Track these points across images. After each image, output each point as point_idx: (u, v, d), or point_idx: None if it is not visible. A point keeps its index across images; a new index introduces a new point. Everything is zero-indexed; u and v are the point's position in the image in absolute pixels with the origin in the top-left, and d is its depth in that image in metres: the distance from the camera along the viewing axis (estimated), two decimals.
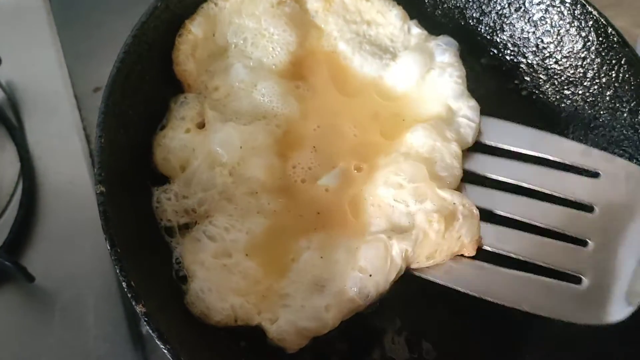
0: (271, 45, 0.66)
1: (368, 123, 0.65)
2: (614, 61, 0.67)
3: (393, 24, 0.71)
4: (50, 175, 0.75)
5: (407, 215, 0.58)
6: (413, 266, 0.57)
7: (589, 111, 0.69)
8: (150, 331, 0.47)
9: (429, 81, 0.67)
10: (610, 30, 0.67)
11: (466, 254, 0.58)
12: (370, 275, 0.55)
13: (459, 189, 0.62)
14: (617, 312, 0.55)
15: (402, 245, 0.56)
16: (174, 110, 0.62)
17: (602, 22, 0.68)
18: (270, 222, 0.57)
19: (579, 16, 0.69)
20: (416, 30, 0.71)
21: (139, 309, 0.48)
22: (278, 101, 0.63)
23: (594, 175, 0.62)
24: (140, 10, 0.62)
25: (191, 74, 0.64)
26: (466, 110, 0.65)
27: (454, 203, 0.58)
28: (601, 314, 0.55)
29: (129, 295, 0.48)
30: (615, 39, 0.67)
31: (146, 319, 0.47)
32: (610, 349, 0.58)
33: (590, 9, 0.68)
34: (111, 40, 0.69)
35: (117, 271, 0.49)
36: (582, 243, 0.59)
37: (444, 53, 0.68)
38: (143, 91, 0.60)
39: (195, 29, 0.64)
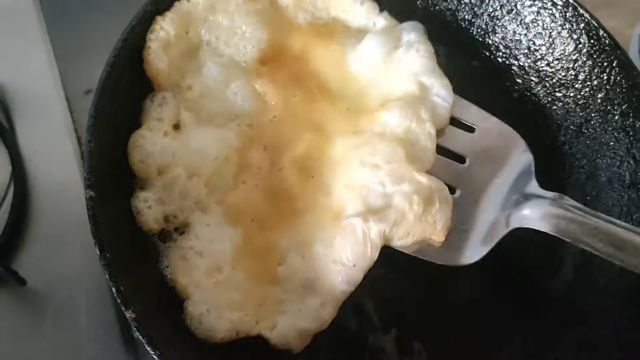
0: (243, 43, 0.65)
1: (338, 109, 0.64)
2: (605, 64, 0.67)
3: (362, 17, 0.71)
4: (41, 177, 0.74)
5: (383, 196, 0.58)
6: (387, 244, 0.58)
7: (581, 113, 0.69)
8: (140, 337, 0.48)
9: (396, 59, 0.67)
10: (601, 32, 0.67)
11: (436, 239, 0.59)
12: (354, 265, 0.55)
13: None
14: (471, 255, 0.59)
15: (380, 227, 0.56)
16: (151, 110, 0.60)
17: (593, 24, 0.68)
18: (246, 227, 0.57)
19: (570, 19, 0.69)
20: (383, 22, 0.71)
21: (129, 314, 0.48)
22: (250, 100, 0.62)
23: (471, 129, 0.66)
24: (131, 12, 0.62)
25: (162, 72, 0.61)
26: (439, 88, 0.65)
27: (431, 187, 0.58)
28: (458, 256, 0.60)
29: (119, 300, 0.48)
30: (606, 41, 0.67)
31: (136, 324, 0.47)
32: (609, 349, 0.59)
33: (581, 11, 0.68)
34: (102, 42, 0.68)
35: (107, 276, 0.49)
36: (452, 190, 0.62)
37: (410, 33, 0.68)
38: (133, 95, 0.60)
39: (167, 25, 0.62)
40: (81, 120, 0.79)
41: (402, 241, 0.58)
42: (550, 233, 0.57)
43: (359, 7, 0.72)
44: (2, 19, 0.86)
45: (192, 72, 0.63)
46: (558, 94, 0.71)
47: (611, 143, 0.67)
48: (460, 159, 0.65)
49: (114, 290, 0.48)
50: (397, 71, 0.66)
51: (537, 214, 0.58)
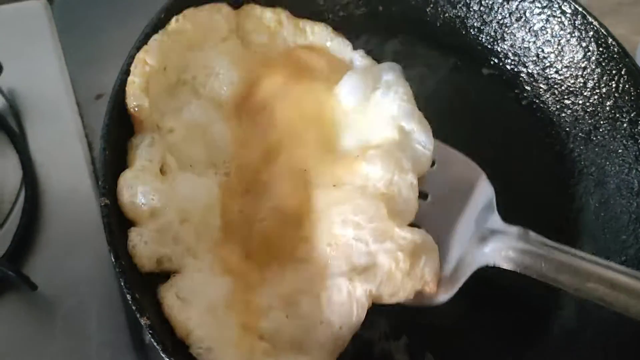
0: (218, 84, 0.64)
1: (317, 155, 0.62)
2: (614, 71, 0.68)
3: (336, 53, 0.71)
4: (52, 182, 0.74)
5: (367, 254, 0.56)
6: (377, 302, 0.56)
7: (589, 121, 0.70)
8: (155, 343, 0.48)
9: (374, 102, 0.65)
10: (610, 40, 0.67)
11: (428, 291, 0.57)
12: (340, 328, 0.54)
13: None
14: (441, 296, 0.58)
15: (365, 286, 0.55)
16: (141, 150, 0.57)
17: (602, 32, 0.68)
18: (234, 279, 0.55)
19: (579, 26, 0.70)
20: (361, 61, 0.71)
21: (144, 321, 0.48)
22: (227, 146, 0.61)
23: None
24: (142, 18, 0.63)
25: (144, 111, 0.58)
26: (419, 133, 0.63)
27: (415, 241, 0.57)
28: (426, 297, 0.58)
29: (134, 307, 0.48)
30: (615, 49, 0.67)
31: (151, 331, 0.48)
32: None
33: (590, 19, 0.69)
34: (113, 47, 0.69)
35: (122, 283, 0.49)
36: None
37: (388, 72, 0.67)
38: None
39: (150, 60, 0.60)
40: (92, 125, 0.79)
41: (394, 298, 0.56)
42: (515, 270, 0.56)
43: (329, 44, 0.72)
44: (13, 25, 0.86)
45: (172, 112, 0.61)
46: (567, 102, 0.72)
47: (620, 150, 0.67)
48: (422, 195, 0.63)
49: (129, 297, 0.48)
50: (375, 115, 0.64)
51: (500, 251, 0.57)
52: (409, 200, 0.60)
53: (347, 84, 0.65)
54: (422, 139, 0.63)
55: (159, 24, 0.62)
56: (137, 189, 0.54)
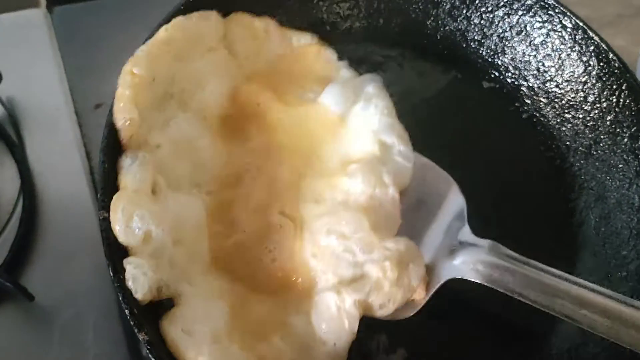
0: (204, 97, 0.63)
1: (299, 170, 0.62)
2: (614, 86, 0.68)
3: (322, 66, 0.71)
4: (50, 192, 0.74)
5: (354, 265, 0.56)
6: (367, 314, 0.56)
7: (590, 135, 0.70)
8: (153, 359, 0.48)
9: (354, 114, 0.65)
10: (611, 55, 0.68)
11: (417, 298, 0.57)
12: (335, 344, 0.53)
13: None
14: (409, 308, 0.57)
15: (354, 297, 0.54)
16: (133, 170, 0.54)
17: (603, 47, 0.68)
18: (229, 302, 0.54)
19: (580, 41, 0.70)
20: (345, 72, 0.71)
21: (142, 337, 0.47)
22: (212, 162, 0.60)
23: None
24: (142, 28, 0.63)
25: (135, 124, 0.56)
26: (400, 147, 0.63)
27: (400, 250, 0.56)
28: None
29: (132, 322, 0.48)
30: (616, 64, 0.67)
31: (149, 347, 0.47)
32: None
33: (591, 34, 0.69)
34: (113, 57, 0.68)
35: (120, 298, 0.49)
36: None
37: (369, 84, 0.67)
38: None
39: (138, 71, 0.57)
40: (90, 135, 0.79)
41: (384, 310, 0.55)
42: (484, 284, 0.55)
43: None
44: (13, 33, 0.86)
45: (159, 127, 0.59)
46: (567, 115, 0.72)
47: (620, 165, 0.67)
48: None
49: (127, 312, 0.48)
50: (356, 128, 0.64)
51: (469, 264, 0.57)
52: (390, 213, 0.60)
53: (328, 97, 0.65)
54: (403, 152, 0.63)
55: None
56: (133, 214, 0.51)
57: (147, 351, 0.48)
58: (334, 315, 0.54)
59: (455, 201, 0.62)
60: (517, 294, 0.54)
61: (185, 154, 0.59)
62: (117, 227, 0.51)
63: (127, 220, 0.51)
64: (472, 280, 0.56)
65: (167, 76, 0.61)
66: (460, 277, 0.56)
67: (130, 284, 0.49)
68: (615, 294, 0.51)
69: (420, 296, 0.57)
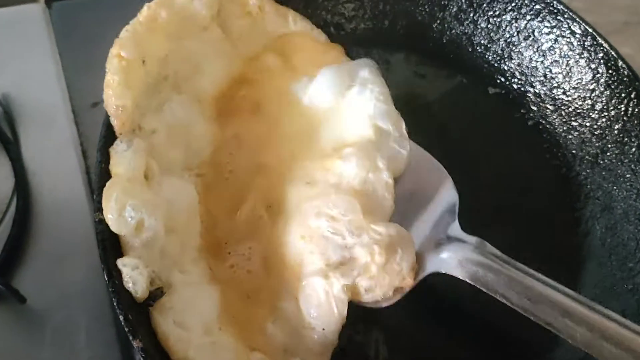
0: (199, 79, 0.62)
1: (291, 152, 0.62)
2: (623, 94, 0.67)
3: None
4: (45, 191, 0.73)
5: (343, 248, 0.55)
6: (353, 299, 0.55)
7: (597, 144, 0.69)
8: None
9: (349, 99, 0.64)
10: (620, 63, 0.67)
11: (406, 286, 0.56)
12: (324, 329, 0.53)
13: None
14: (392, 298, 0.56)
15: (342, 281, 0.54)
16: (126, 157, 0.53)
17: (612, 54, 0.67)
18: (220, 290, 0.54)
19: (589, 48, 0.69)
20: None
21: (136, 344, 0.46)
22: (206, 146, 0.60)
23: None
24: None
25: (127, 110, 0.54)
26: (395, 133, 0.63)
27: (391, 235, 0.55)
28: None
29: (126, 329, 0.47)
30: (625, 72, 0.66)
31: (143, 355, 0.46)
32: None
33: (600, 41, 0.68)
34: None
35: (115, 304, 0.47)
36: None
37: (364, 69, 0.66)
38: None
39: (125, 53, 0.55)
40: (87, 133, 0.78)
41: (370, 295, 0.55)
42: (467, 281, 0.54)
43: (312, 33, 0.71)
44: (11, 30, 0.85)
45: (153, 111, 0.58)
46: (574, 123, 0.71)
47: (627, 175, 0.66)
48: None
49: (121, 318, 0.47)
50: (351, 112, 0.64)
51: (455, 259, 0.56)
52: (384, 199, 0.59)
53: (322, 80, 0.65)
54: (399, 139, 0.62)
55: None
56: (126, 203, 0.50)
57: (141, 358, 0.46)
58: (323, 300, 0.53)
59: (448, 195, 0.61)
60: (500, 294, 0.53)
61: (179, 138, 0.59)
62: (110, 216, 0.50)
63: (120, 209, 0.50)
64: (457, 276, 0.55)
65: (159, 57, 0.60)
66: (444, 272, 0.56)
67: (130, 286, 0.49)
68: (599, 307, 0.50)
69: (408, 284, 0.56)
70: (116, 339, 0.65)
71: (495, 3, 0.75)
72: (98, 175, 0.52)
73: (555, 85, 0.72)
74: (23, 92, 0.79)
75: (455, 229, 0.58)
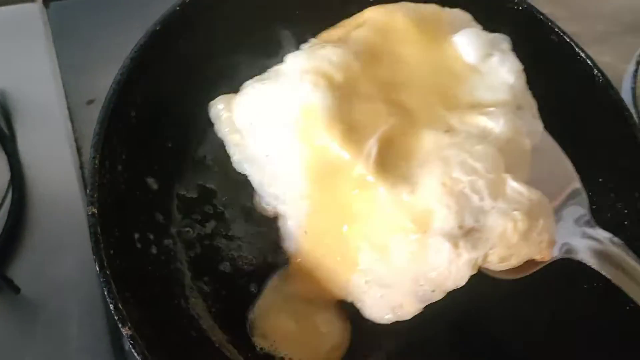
0: None
1: (428, 97, 0.57)
2: None
3: None
4: (39, 185, 0.75)
5: (479, 211, 0.50)
6: (482, 266, 0.52)
7: None
8: (136, 354, 0.48)
9: (490, 66, 0.60)
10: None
11: (540, 259, 0.53)
12: (433, 291, 0.52)
13: None
14: (522, 270, 0.55)
15: (472, 255, 0.50)
16: None
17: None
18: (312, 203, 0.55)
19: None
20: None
21: (125, 331, 0.48)
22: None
23: None
24: (138, 27, 0.63)
25: None
26: (531, 111, 0.60)
27: (532, 200, 0.51)
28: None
29: (116, 317, 0.49)
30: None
31: (132, 341, 0.48)
32: None
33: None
34: (107, 54, 0.69)
35: (105, 293, 0.50)
36: None
37: (502, 42, 0.62)
38: (138, 112, 0.61)
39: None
40: (82, 130, 0.80)
41: (503, 264, 0.52)
42: (600, 271, 0.53)
43: None
44: (9, 29, 0.86)
45: None
46: None
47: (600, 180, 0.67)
48: None
49: (111, 307, 0.49)
50: (492, 77, 0.59)
51: (590, 249, 0.54)
52: (523, 164, 0.55)
53: (465, 37, 0.61)
54: (535, 116, 0.60)
55: (154, 35, 0.62)
56: None
57: (130, 346, 0.48)
58: (444, 267, 0.50)
59: (575, 190, 0.60)
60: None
61: None
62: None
63: None
64: (590, 264, 0.54)
65: None
66: (577, 259, 0.55)
67: None
68: None
69: (545, 258, 0.53)
70: (107, 330, 0.67)
71: None
72: (91, 171, 0.54)
73: None
74: (20, 89, 0.81)
75: (588, 221, 0.57)
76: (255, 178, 0.61)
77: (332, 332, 0.60)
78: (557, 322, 0.64)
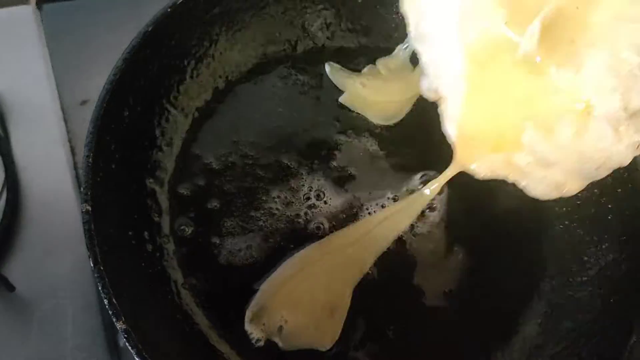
0: None
1: None
2: None
3: None
4: (34, 186, 0.75)
5: None
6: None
7: None
8: (130, 347, 0.49)
9: None
10: None
11: None
12: (597, 168, 0.51)
13: None
14: None
15: (636, 138, 0.48)
16: None
17: None
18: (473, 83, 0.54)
19: None
20: None
21: (119, 325, 0.49)
22: None
23: None
24: (131, 28, 0.64)
25: None
26: None
27: None
28: None
29: (110, 312, 0.49)
30: None
31: (126, 335, 0.49)
32: None
33: None
34: (100, 55, 0.70)
35: (100, 288, 0.50)
36: None
37: None
38: (131, 111, 0.62)
39: None
40: (76, 130, 0.80)
41: None
42: None
43: None
44: (2, 31, 0.87)
45: None
46: None
47: None
48: None
49: (105, 302, 0.50)
50: None
51: None
52: None
53: None
54: None
55: (146, 36, 0.63)
56: None
57: (125, 340, 0.49)
58: (607, 146, 0.49)
59: None
60: None
61: None
62: None
63: None
64: None
65: None
66: None
67: None
68: None
69: None
70: (102, 327, 0.68)
71: None
72: (84, 169, 0.55)
73: None
74: (14, 90, 0.81)
75: None
76: (424, 58, 0.59)
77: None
78: None
